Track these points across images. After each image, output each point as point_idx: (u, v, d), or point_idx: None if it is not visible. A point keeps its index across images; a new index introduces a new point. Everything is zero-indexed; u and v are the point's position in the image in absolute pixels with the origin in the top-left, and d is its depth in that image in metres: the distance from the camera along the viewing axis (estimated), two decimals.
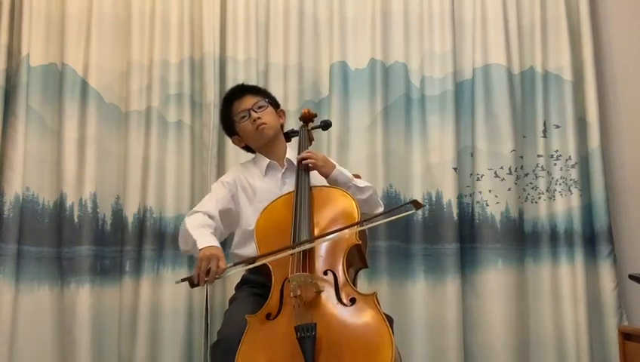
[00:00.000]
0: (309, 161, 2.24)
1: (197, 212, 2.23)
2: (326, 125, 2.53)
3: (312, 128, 2.49)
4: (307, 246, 1.95)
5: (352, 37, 3.12)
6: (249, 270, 2.25)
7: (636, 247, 3.05)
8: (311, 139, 2.47)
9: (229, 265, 2.00)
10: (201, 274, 1.95)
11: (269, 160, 2.36)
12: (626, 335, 2.26)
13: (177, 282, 2.04)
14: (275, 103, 2.44)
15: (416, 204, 1.96)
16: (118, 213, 2.93)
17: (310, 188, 2.17)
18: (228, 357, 1.82)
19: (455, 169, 3.01)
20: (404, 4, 3.13)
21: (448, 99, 3.05)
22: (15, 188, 2.79)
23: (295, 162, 2.30)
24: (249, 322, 1.87)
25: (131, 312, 2.84)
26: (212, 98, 2.99)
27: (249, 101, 2.34)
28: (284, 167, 2.34)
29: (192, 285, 1.98)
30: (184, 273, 2.87)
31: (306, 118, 2.49)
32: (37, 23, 2.91)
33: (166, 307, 2.84)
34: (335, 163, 2.33)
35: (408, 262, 2.98)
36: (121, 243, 2.90)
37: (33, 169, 2.84)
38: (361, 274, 2.83)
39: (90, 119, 2.92)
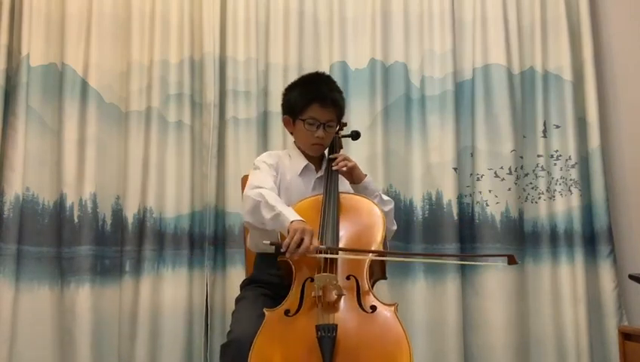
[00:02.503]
0: (344, 162, 2.20)
1: (264, 188, 2.10)
2: (356, 135, 2.47)
3: (343, 136, 2.45)
4: (331, 255, 1.93)
5: (352, 37, 3.12)
6: (258, 266, 2.24)
7: (636, 247, 3.05)
8: (340, 147, 2.43)
9: (322, 246, 1.93)
10: (292, 243, 1.87)
11: (307, 161, 2.31)
12: (626, 335, 2.26)
13: (265, 243, 1.92)
14: (340, 122, 2.35)
15: (511, 261, 1.91)
16: (118, 213, 2.93)
17: (339, 193, 2.16)
18: (240, 359, 1.80)
19: (455, 169, 3.01)
20: (404, 4, 3.13)
21: (448, 99, 3.05)
22: (15, 188, 2.79)
23: (331, 168, 2.22)
24: (267, 316, 1.86)
25: (131, 312, 2.84)
26: (212, 98, 2.99)
27: (328, 115, 2.23)
28: (319, 174, 2.30)
29: (279, 252, 1.90)
30: (184, 273, 2.87)
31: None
32: (37, 23, 2.91)
33: (166, 307, 2.84)
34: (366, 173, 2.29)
35: (408, 262, 2.98)
36: (121, 243, 2.90)
37: (33, 169, 2.84)
38: None
39: (90, 119, 2.92)
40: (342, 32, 3.12)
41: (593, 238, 3.01)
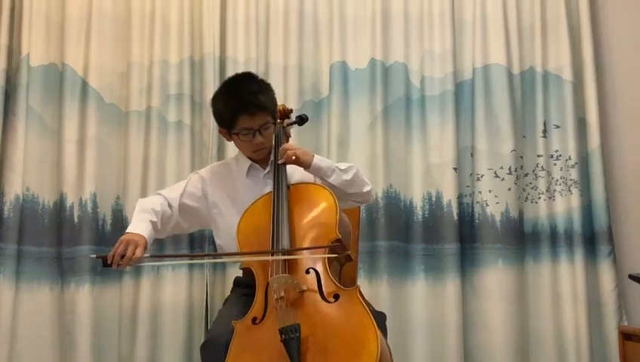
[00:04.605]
0: (290, 152, 2.14)
1: (159, 195, 2.23)
2: (302, 120, 2.42)
3: (288, 125, 2.40)
4: (285, 256, 1.92)
5: (352, 37, 3.11)
6: (243, 272, 2.23)
7: (636, 247, 3.05)
8: (287, 136, 2.39)
9: (146, 255, 2.00)
10: (115, 256, 1.95)
11: (250, 162, 2.29)
12: (626, 336, 2.27)
13: (92, 256, 2.02)
14: (275, 117, 2.29)
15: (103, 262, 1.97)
16: (118, 213, 2.93)
17: (288, 187, 2.12)
18: (216, 358, 1.82)
19: (455, 169, 3.01)
20: (404, 4, 3.13)
21: (448, 99, 3.05)
22: (15, 188, 2.80)
23: (276, 163, 2.19)
24: (235, 328, 1.85)
25: (131, 312, 2.84)
26: None
27: (259, 120, 2.17)
28: (267, 169, 2.27)
29: (105, 264, 1.97)
30: (184, 273, 2.87)
31: (282, 115, 2.39)
32: (37, 23, 2.91)
33: (166, 307, 2.84)
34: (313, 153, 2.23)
35: (408, 261, 2.98)
36: None
37: (33, 169, 2.84)
38: (361, 273, 2.85)
39: (90, 119, 2.92)
40: (342, 32, 3.12)
41: (593, 238, 3.01)
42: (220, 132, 2.30)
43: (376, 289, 2.91)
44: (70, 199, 2.86)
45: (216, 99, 2.25)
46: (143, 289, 2.85)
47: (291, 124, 2.41)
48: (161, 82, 2.99)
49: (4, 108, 2.84)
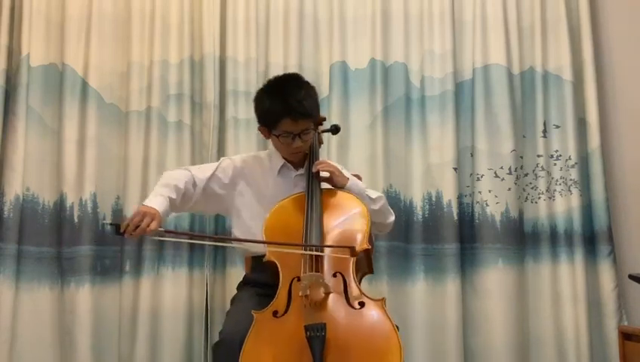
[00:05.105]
0: (325, 168, 2.18)
1: (187, 171, 2.23)
2: (336, 129, 2.45)
3: (322, 131, 2.43)
4: (317, 253, 1.94)
5: (352, 37, 3.11)
6: (252, 268, 2.24)
7: (636, 247, 3.05)
8: (320, 143, 2.43)
9: (161, 229, 2.00)
10: (130, 225, 1.94)
11: (284, 161, 2.30)
12: (626, 336, 2.27)
13: (104, 223, 2.03)
14: (317, 123, 2.32)
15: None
16: (118, 213, 2.93)
17: (321, 190, 2.15)
18: (230, 358, 1.81)
19: (455, 169, 3.01)
20: (404, 4, 3.13)
21: (448, 99, 3.05)
22: (15, 188, 2.80)
23: (311, 169, 2.22)
24: (255, 318, 1.86)
25: (131, 312, 2.84)
26: (212, 98, 2.99)
27: (301, 126, 2.17)
28: (299, 171, 2.29)
29: (117, 232, 1.97)
30: (184, 273, 2.88)
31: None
32: (37, 23, 2.91)
33: (166, 307, 2.84)
34: (348, 175, 2.27)
35: (408, 262, 2.98)
36: (121, 243, 2.90)
37: (33, 169, 2.84)
38: None
39: (90, 119, 2.92)
40: (342, 32, 3.12)
41: (593, 238, 3.01)
42: (259, 129, 2.31)
43: (376, 290, 2.91)
44: (70, 199, 2.86)
45: (261, 98, 2.26)
46: (143, 288, 2.85)
47: (325, 131, 2.44)
48: (161, 82, 2.99)
49: (4, 108, 2.84)
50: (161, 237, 2.04)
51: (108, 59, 2.99)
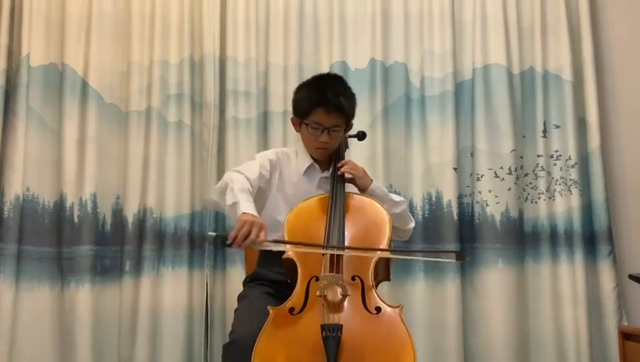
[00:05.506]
0: (349, 170, 2.21)
1: (242, 173, 2.14)
2: (363, 135, 2.47)
3: (349, 136, 2.44)
4: (338, 252, 1.94)
5: (352, 37, 3.11)
6: (261, 262, 2.23)
7: (636, 247, 3.05)
8: (347, 147, 2.43)
9: (268, 239, 1.94)
10: (239, 236, 1.87)
11: (311, 161, 2.30)
12: (626, 335, 2.27)
13: (210, 236, 1.97)
14: (348, 124, 2.32)
15: (458, 256, 2.07)
16: (118, 213, 2.93)
17: (345, 193, 2.16)
18: (243, 359, 1.79)
19: (455, 169, 3.01)
20: (404, 4, 3.13)
21: (448, 99, 3.05)
22: (15, 188, 2.80)
23: (336, 170, 2.23)
24: (272, 314, 1.85)
25: (131, 312, 2.84)
26: (212, 98, 2.99)
27: (333, 120, 2.20)
28: (324, 173, 2.30)
29: (225, 244, 1.90)
30: (184, 272, 2.88)
31: None
32: (37, 23, 2.91)
33: (166, 307, 2.84)
34: (372, 178, 2.29)
35: (408, 262, 2.98)
36: (121, 243, 2.90)
37: (33, 169, 2.84)
38: None
39: (90, 119, 2.92)
40: (342, 32, 3.12)
41: (593, 238, 3.01)
42: (291, 120, 2.34)
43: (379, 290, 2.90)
44: (70, 199, 2.86)
45: (301, 89, 2.32)
46: (143, 288, 2.84)
47: (352, 136, 2.45)
48: (161, 82, 2.99)
49: (4, 108, 2.84)
50: (267, 247, 1.98)
51: (108, 59, 2.99)
